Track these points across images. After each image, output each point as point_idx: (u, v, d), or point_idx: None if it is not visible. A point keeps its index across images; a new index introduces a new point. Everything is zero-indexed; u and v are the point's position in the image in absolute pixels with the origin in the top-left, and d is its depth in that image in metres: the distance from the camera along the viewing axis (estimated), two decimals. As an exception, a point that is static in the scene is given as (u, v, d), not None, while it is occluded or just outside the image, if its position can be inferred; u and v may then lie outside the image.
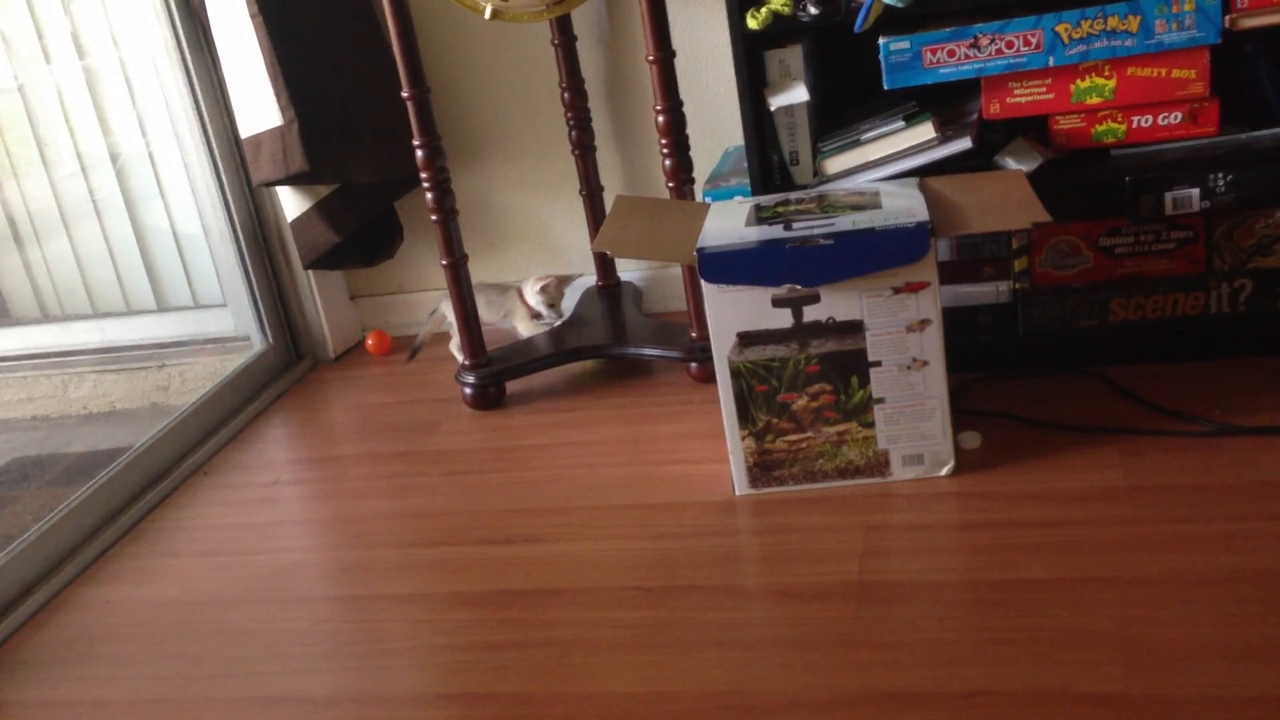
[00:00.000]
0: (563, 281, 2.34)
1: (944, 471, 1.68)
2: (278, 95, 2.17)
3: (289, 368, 2.53)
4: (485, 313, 2.33)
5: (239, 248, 2.44)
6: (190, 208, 2.51)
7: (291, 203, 2.36)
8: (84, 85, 2.60)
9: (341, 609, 1.65)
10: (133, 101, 2.58)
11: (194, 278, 2.69)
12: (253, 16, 2.12)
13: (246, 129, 2.25)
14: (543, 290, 2.31)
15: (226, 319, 2.57)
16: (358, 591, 1.68)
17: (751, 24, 1.79)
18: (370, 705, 1.42)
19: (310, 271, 2.48)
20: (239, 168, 2.39)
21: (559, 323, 2.33)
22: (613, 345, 2.22)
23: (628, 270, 2.49)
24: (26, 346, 2.82)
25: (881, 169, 1.83)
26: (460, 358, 2.22)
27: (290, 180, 2.28)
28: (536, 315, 2.34)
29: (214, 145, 2.36)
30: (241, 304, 2.50)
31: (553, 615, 1.53)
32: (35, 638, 1.68)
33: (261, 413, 2.37)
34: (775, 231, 1.62)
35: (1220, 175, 1.74)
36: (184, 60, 2.31)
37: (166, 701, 1.49)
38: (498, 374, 2.18)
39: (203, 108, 2.34)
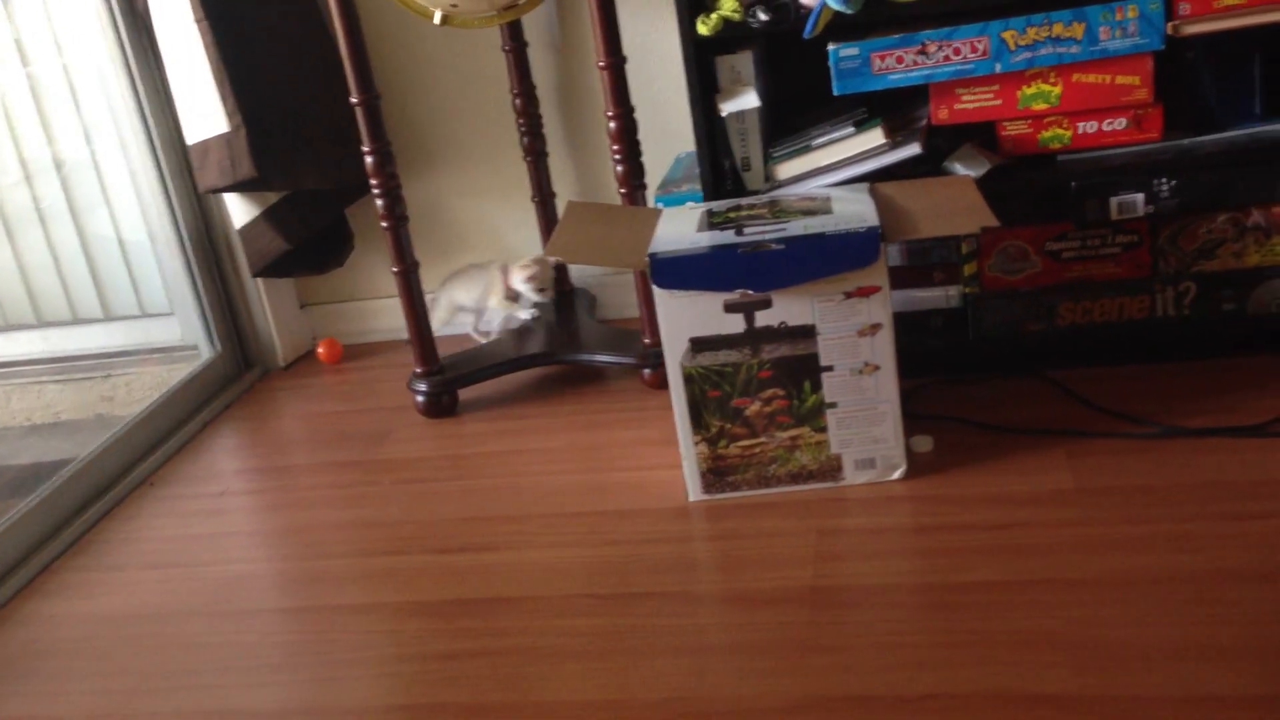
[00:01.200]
0: (546, 265, 2.30)
1: (896, 475, 1.68)
2: (224, 101, 2.14)
3: (238, 377, 2.50)
4: (463, 294, 2.32)
5: (186, 255, 2.41)
6: (136, 215, 2.48)
7: (240, 210, 2.33)
8: (27, 92, 2.56)
9: (292, 620, 1.63)
10: (77, 109, 2.54)
11: (140, 286, 2.65)
12: (198, 22, 2.10)
13: (193, 135, 2.22)
14: (530, 279, 2.26)
15: (174, 328, 2.54)
16: (308, 603, 1.66)
17: (702, 30, 1.80)
18: (322, 718, 1.40)
19: (259, 279, 2.45)
20: (185, 175, 2.36)
21: (538, 303, 2.32)
22: (566, 351, 2.21)
23: (580, 276, 2.48)
24: (-32, 357, 2.77)
25: (832, 174, 1.84)
26: (478, 337, 2.34)
27: (238, 187, 2.25)
28: (513, 297, 2.31)
29: (160, 152, 2.34)
30: (189, 312, 2.46)
31: (506, 624, 1.52)
32: (-23, 654, 1.65)
33: (210, 422, 2.34)
34: (727, 237, 1.62)
35: (1164, 180, 1.76)
36: (129, 67, 2.28)
37: (112, 716, 1.47)
38: (450, 382, 2.17)
39: (148, 114, 2.31)
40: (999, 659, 1.30)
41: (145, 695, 1.50)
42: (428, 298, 2.16)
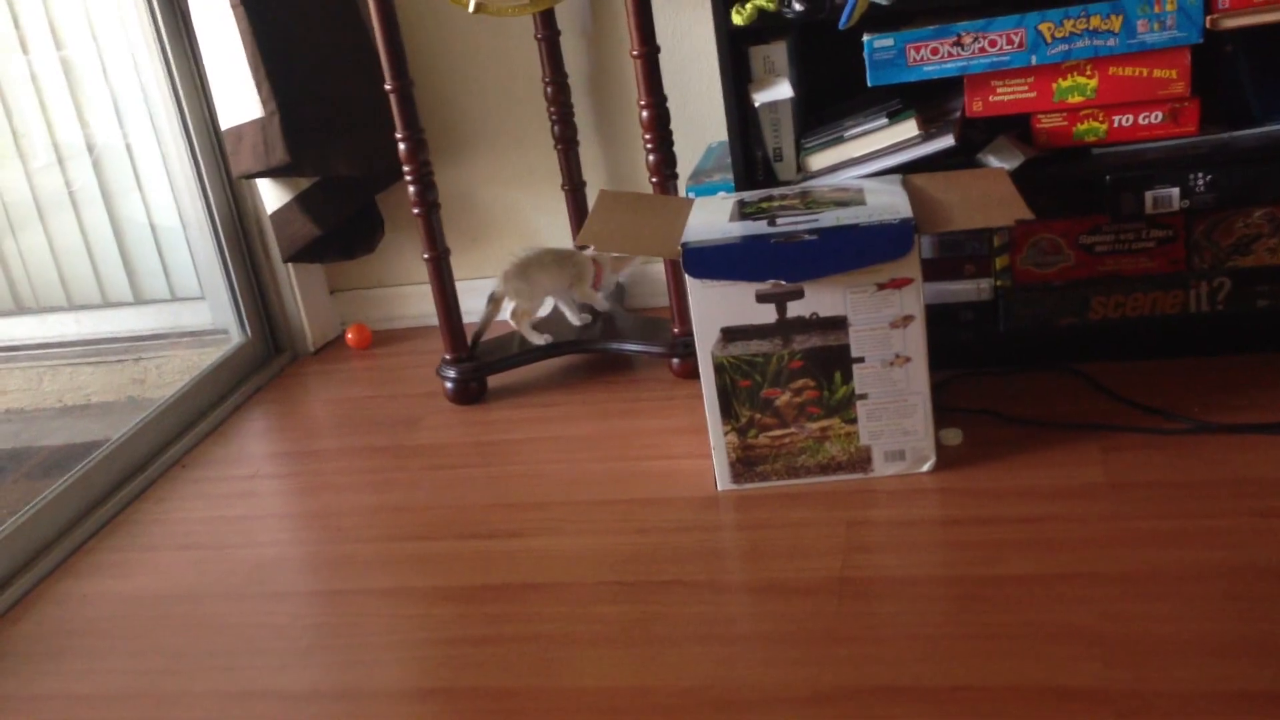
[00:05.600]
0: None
1: (925, 468, 1.68)
2: (259, 87, 2.16)
3: (268, 361, 2.52)
4: (553, 281, 2.17)
5: (218, 240, 2.42)
6: (168, 200, 2.49)
7: (272, 195, 2.34)
8: (61, 75, 2.58)
9: (321, 603, 1.64)
10: (110, 92, 2.56)
11: (171, 270, 2.67)
12: (234, 7, 2.11)
13: (227, 120, 2.23)
14: (625, 273, 2.21)
15: (204, 312, 2.56)
16: (338, 586, 1.67)
17: (736, 20, 1.79)
18: (350, 700, 1.41)
19: (290, 264, 2.47)
20: (218, 159, 2.38)
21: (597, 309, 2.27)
22: (594, 340, 2.21)
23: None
24: (1, 339, 2.79)
25: (865, 166, 1.84)
26: (535, 339, 2.19)
27: (271, 172, 2.26)
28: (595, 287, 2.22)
29: (193, 137, 2.35)
30: (220, 297, 2.48)
31: (534, 610, 1.52)
32: (11, 631, 1.66)
33: (240, 406, 2.36)
34: (759, 227, 1.62)
35: (1200, 175, 1.74)
36: (163, 51, 2.29)
37: (144, 696, 1.48)
38: (479, 369, 2.18)
39: (182, 99, 2.32)
40: (1029, 652, 1.30)
41: (176, 675, 1.51)
42: (493, 298, 2.15)
